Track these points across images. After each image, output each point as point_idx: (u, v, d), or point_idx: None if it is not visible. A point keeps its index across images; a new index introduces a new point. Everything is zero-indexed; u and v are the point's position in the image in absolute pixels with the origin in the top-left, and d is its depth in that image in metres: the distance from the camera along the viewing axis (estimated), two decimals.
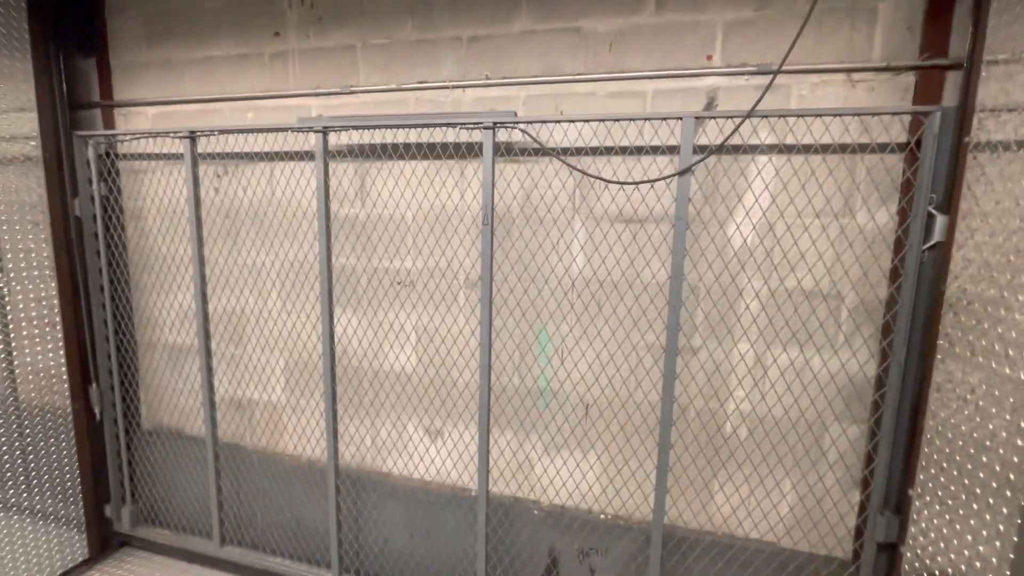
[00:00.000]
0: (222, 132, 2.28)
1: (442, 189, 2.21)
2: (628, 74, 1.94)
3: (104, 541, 2.79)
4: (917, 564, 1.56)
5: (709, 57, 1.87)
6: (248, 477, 2.67)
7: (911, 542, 1.61)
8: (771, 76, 1.61)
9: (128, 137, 2.47)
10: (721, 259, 1.92)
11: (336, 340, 2.32)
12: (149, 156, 2.62)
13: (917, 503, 1.60)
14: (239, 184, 2.50)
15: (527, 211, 2.11)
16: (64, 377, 2.55)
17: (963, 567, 1.33)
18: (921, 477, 1.59)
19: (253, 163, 2.46)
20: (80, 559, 2.67)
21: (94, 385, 2.65)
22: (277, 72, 2.37)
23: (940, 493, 1.49)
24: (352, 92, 2.26)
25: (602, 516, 2.16)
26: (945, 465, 1.48)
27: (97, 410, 2.67)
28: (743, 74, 1.84)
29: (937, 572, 1.44)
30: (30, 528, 2.45)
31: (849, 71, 1.73)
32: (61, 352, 2.53)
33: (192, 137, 2.31)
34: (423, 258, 2.28)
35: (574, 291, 2.09)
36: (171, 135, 2.33)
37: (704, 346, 1.99)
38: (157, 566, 2.71)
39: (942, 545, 1.45)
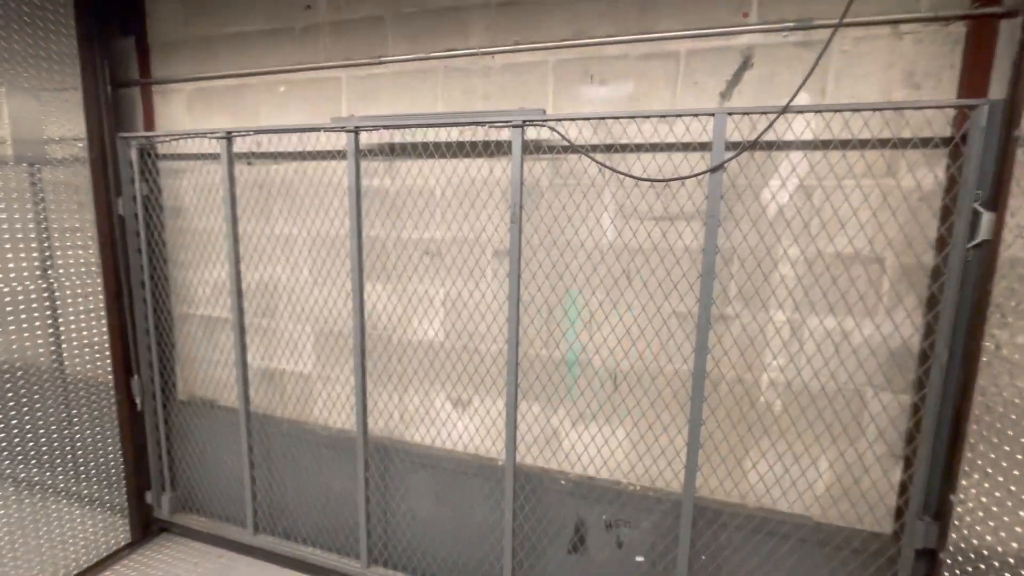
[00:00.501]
0: (258, 132, 2.34)
1: (471, 164, 2.19)
2: (660, 35, 1.89)
3: (145, 527, 2.91)
4: (963, 545, 1.51)
5: (745, 15, 1.80)
6: (279, 447, 2.72)
7: (956, 523, 1.55)
8: (812, 65, 1.58)
9: (168, 138, 2.56)
10: (756, 229, 1.85)
11: (366, 312, 2.36)
12: (186, 156, 2.71)
13: (964, 482, 1.54)
14: (272, 160, 2.54)
15: (556, 183, 2.09)
16: (109, 369, 2.66)
17: (1014, 544, 1.27)
18: (968, 455, 1.53)
19: (285, 154, 2.52)
20: (123, 543, 2.79)
21: (136, 377, 2.76)
22: (308, 45, 2.40)
23: (990, 470, 1.43)
24: (381, 62, 2.27)
25: (631, 488, 2.13)
26: (995, 441, 1.41)
27: (138, 401, 2.78)
28: (781, 30, 1.77)
29: (985, 551, 1.38)
30: (77, 512, 2.57)
31: (895, 23, 1.65)
32: (106, 346, 2.64)
33: (228, 137, 2.38)
34: (451, 229, 2.28)
35: (603, 261, 2.06)
36: (208, 136, 2.41)
37: (738, 316, 1.92)
38: (194, 552, 2.81)
39: (991, 523, 1.39)
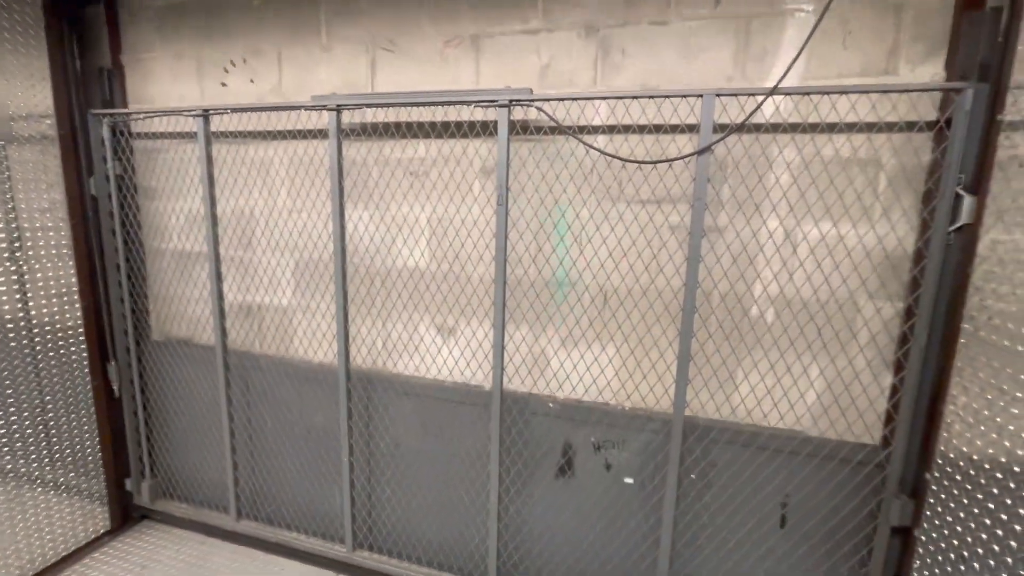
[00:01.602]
0: (235, 111, 2.27)
1: (459, 73, 2.12)
2: None
3: (125, 514, 2.87)
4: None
5: None
6: (258, 384, 2.65)
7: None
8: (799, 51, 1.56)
9: (142, 115, 2.47)
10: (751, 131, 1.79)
11: (347, 238, 2.29)
12: (163, 135, 2.61)
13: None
14: (248, 78, 2.44)
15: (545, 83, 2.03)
16: (84, 355, 2.59)
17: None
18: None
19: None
20: (102, 531, 2.74)
21: (113, 363, 2.69)
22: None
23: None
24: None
25: (620, 409, 2.10)
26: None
27: (116, 387, 2.72)
28: None
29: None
30: (54, 500, 2.51)
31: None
32: (80, 330, 2.56)
33: (205, 115, 2.30)
34: (436, 144, 2.20)
35: (594, 172, 1.99)
36: (184, 114, 2.32)
37: (731, 224, 1.88)
38: (176, 538, 2.78)
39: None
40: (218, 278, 2.45)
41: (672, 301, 1.98)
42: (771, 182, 1.82)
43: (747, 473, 1.96)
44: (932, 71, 1.64)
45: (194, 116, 2.30)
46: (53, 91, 2.37)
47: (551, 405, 2.18)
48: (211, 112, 2.30)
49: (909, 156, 1.69)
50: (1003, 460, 1.32)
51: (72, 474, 2.60)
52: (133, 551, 2.67)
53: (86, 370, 2.61)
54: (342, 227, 2.19)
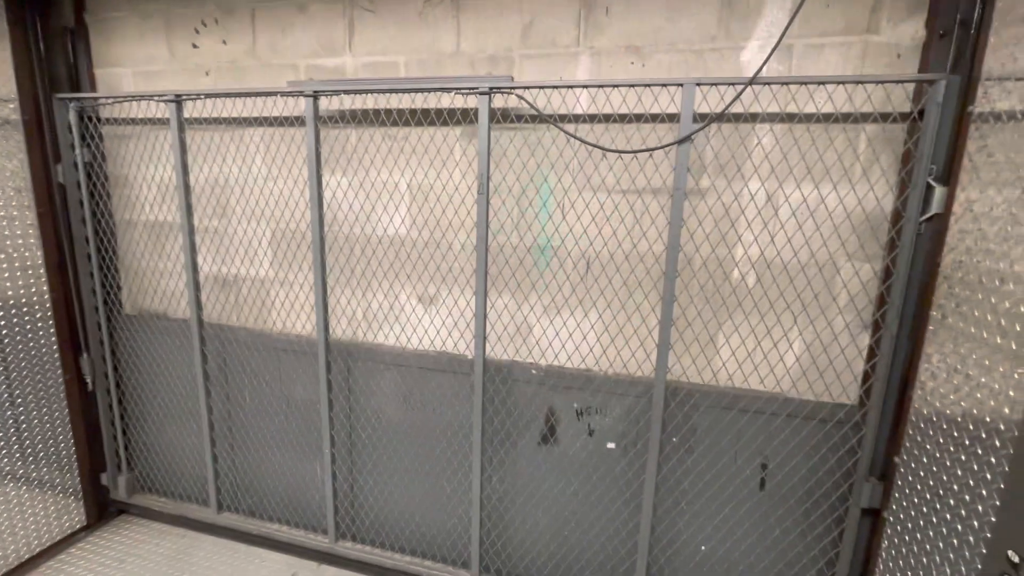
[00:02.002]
0: (209, 96, 2.21)
1: (439, 34, 2.08)
2: None
3: (101, 509, 2.82)
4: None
5: None
6: (236, 357, 2.59)
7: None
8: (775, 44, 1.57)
9: (111, 100, 2.39)
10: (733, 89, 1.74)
11: (325, 206, 2.24)
12: (134, 121, 2.53)
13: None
14: (220, 39, 2.35)
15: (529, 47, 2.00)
16: (55, 347, 2.52)
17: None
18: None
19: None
20: (78, 526, 2.70)
21: (85, 355, 2.63)
22: None
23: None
24: None
25: (602, 375, 2.10)
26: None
27: (89, 380, 2.66)
28: None
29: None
30: (27, 496, 2.46)
31: None
32: (50, 322, 2.49)
33: (178, 101, 2.23)
34: (416, 106, 2.12)
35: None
36: (155, 99, 2.25)
37: (712, 187, 1.88)
38: (155, 533, 2.74)
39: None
40: (192, 250, 2.38)
41: (654, 266, 1.97)
42: (753, 143, 1.82)
43: (728, 436, 1.99)
44: (913, 28, 1.64)
45: (166, 102, 2.23)
46: (15, 72, 2.27)
47: (534, 372, 2.18)
48: (184, 97, 2.23)
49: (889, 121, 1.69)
50: (978, 409, 1.35)
51: (45, 469, 2.54)
52: (110, 546, 2.63)
53: (57, 363, 2.54)
54: (320, 210, 2.15)
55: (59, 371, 2.55)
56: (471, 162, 2.11)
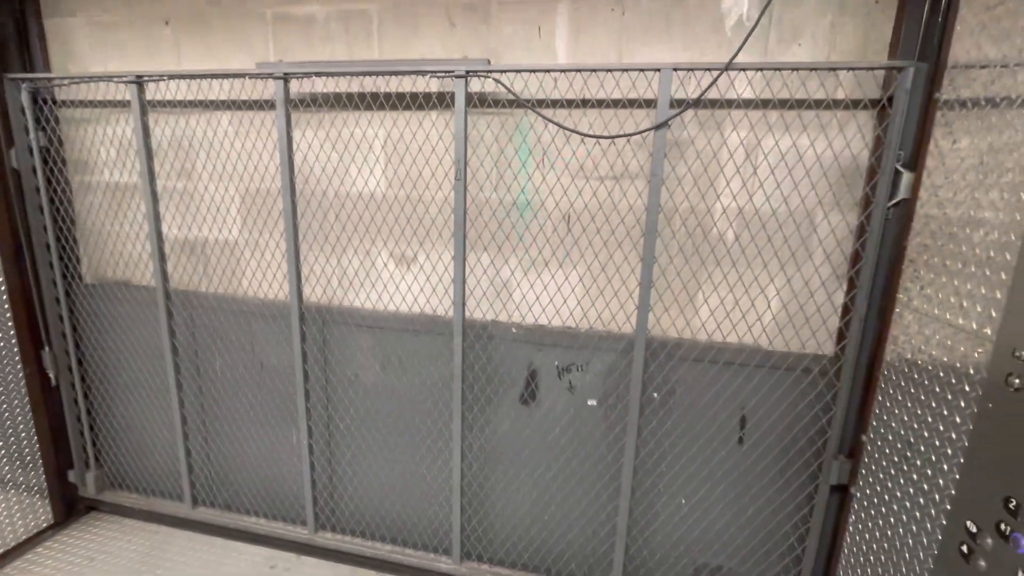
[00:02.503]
0: (172, 77, 2.12)
1: None
2: None
3: (70, 506, 2.73)
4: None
5: None
6: (205, 324, 2.50)
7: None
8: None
9: (67, 81, 2.27)
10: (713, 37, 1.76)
11: (296, 166, 2.16)
12: (93, 104, 2.42)
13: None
14: None
15: None
16: (13, 341, 2.41)
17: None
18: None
19: None
20: (45, 525, 2.61)
21: (47, 349, 2.52)
22: None
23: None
24: None
25: (583, 333, 2.10)
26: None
27: (52, 374, 2.56)
28: None
29: (919, 361, 1.49)
30: None
31: None
32: (8, 315, 2.38)
33: (139, 82, 2.13)
34: (390, 56, 2.06)
35: (556, 89, 1.91)
36: (115, 80, 2.15)
37: (692, 144, 1.87)
38: (127, 529, 2.67)
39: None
40: (156, 218, 2.27)
41: (635, 227, 1.96)
42: (732, 96, 1.82)
43: (709, 392, 2.00)
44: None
45: (127, 83, 2.13)
46: None
47: (514, 331, 2.16)
48: (146, 79, 2.13)
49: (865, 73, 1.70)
50: (933, 405, 1.42)
51: (7, 468, 2.45)
52: (79, 544, 2.55)
53: (16, 358, 2.43)
54: (293, 196, 2.10)
55: (19, 366, 2.44)
56: (448, 122, 2.04)
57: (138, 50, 2.32)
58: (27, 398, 2.49)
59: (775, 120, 1.79)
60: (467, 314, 2.11)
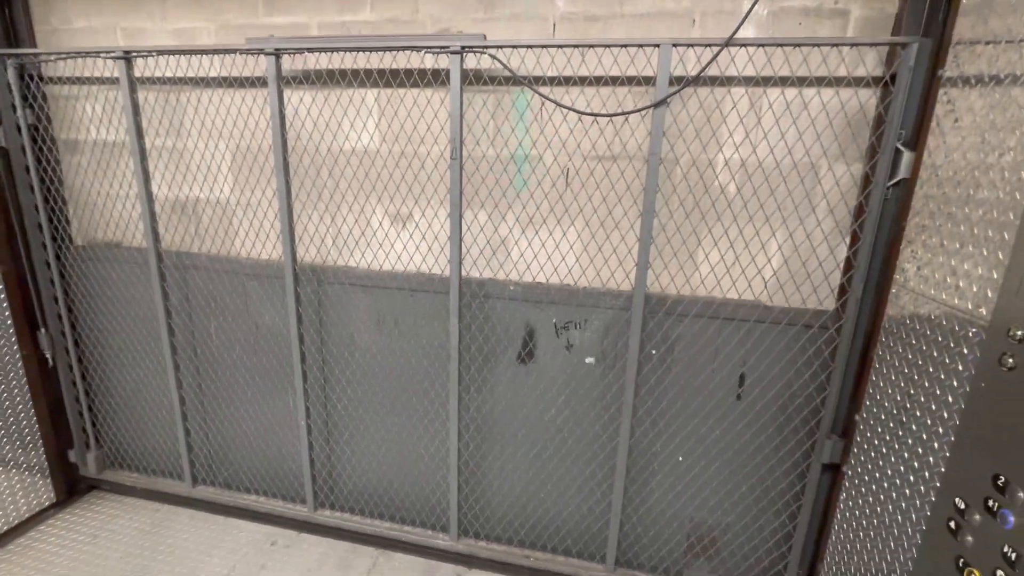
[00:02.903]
0: (161, 53, 2.07)
1: None
2: None
3: (71, 486, 2.76)
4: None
5: None
6: (199, 286, 2.46)
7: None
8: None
9: (54, 57, 2.22)
10: None
11: (288, 121, 2.10)
12: (82, 80, 2.37)
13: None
14: None
15: None
16: (9, 323, 2.41)
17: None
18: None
19: None
20: (47, 503, 2.64)
21: (43, 330, 2.52)
22: None
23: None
24: None
25: (582, 291, 2.07)
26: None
27: (49, 355, 2.56)
28: None
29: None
30: None
31: None
32: (3, 296, 2.37)
33: (127, 58, 2.09)
34: (382, 6, 2.00)
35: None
36: (103, 55, 2.10)
37: (695, 94, 1.81)
38: (128, 508, 2.71)
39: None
40: (146, 179, 2.21)
41: (635, 180, 1.93)
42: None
43: (708, 349, 1.99)
44: None
45: (114, 59, 2.09)
46: None
47: (512, 288, 2.13)
48: (134, 54, 2.09)
49: (874, 7, 1.67)
50: (926, 385, 1.43)
51: (8, 448, 2.47)
52: (82, 522, 2.59)
53: (13, 340, 2.43)
54: (287, 174, 2.07)
55: (16, 348, 2.44)
56: (443, 76, 1.98)
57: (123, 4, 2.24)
58: (25, 380, 2.49)
59: (780, 65, 1.73)
60: (464, 272, 2.08)
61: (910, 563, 1.41)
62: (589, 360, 2.12)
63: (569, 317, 2.10)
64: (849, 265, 1.80)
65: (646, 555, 2.26)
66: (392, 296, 2.25)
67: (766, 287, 1.92)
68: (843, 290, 1.81)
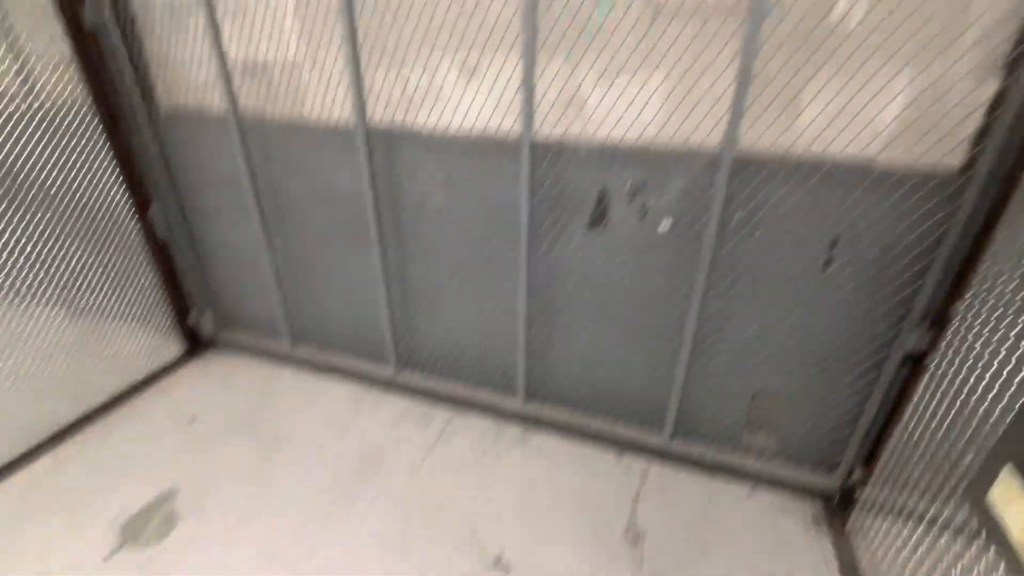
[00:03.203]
0: None
1: None
2: None
3: (193, 344, 3.20)
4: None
5: None
6: (277, 153, 2.50)
7: None
8: None
9: None
10: None
11: None
12: None
13: None
14: None
15: None
16: (126, 197, 2.67)
17: None
18: None
19: None
20: (172, 359, 3.10)
21: (154, 201, 2.77)
22: None
23: None
24: None
25: (662, 149, 1.89)
26: None
27: (162, 224, 2.82)
28: None
29: None
30: (126, 331, 2.81)
31: None
32: (117, 170, 2.60)
33: None
34: None
35: None
36: None
37: None
38: (239, 364, 3.13)
39: None
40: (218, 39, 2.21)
41: (736, 6, 1.62)
42: None
43: (800, 211, 1.81)
44: None
45: None
46: None
47: (585, 148, 1.99)
48: None
49: None
50: None
51: (136, 309, 2.85)
52: (205, 375, 3.03)
53: (132, 215, 2.71)
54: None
55: (133, 221, 2.73)
56: None
57: None
58: (145, 247, 2.81)
59: None
60: (536, 128, 1.99)
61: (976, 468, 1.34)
62: (665, 223, 1.99)
63: (645, 178, 1.96)
64: (995, 106, 1.46)
65: (705, 427, 2.34)
66: (461, 158, 2.19)
67: (879, 138, 1.62)
68: (976, 141, 1.51)
